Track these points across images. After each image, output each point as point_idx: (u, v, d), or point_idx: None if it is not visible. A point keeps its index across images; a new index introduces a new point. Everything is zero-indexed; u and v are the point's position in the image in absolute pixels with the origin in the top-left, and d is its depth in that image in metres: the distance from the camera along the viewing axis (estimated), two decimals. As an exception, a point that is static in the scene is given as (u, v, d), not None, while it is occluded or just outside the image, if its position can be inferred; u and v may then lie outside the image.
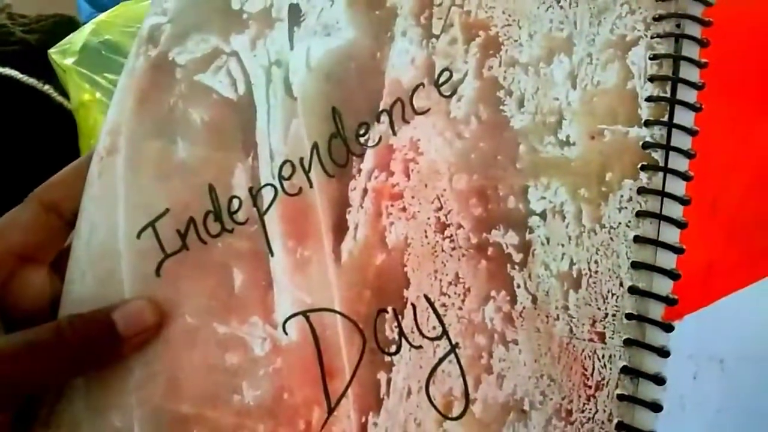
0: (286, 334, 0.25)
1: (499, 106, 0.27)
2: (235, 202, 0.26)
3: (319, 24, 0.28)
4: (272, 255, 0.26)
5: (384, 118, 0.27)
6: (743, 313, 0.25)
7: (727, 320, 0.25)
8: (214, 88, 0.28)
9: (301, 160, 0.27)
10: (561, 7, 0.28)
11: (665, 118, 0.27)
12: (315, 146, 0.27)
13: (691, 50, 0.27)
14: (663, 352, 0.25)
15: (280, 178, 0.26)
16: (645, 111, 0.27)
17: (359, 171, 0.26)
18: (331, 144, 0.27)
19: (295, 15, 0.29)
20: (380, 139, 0.27)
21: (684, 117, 0.27)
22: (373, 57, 0.28)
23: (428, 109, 0.27)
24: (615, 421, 0.24)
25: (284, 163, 0.27)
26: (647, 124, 0.27)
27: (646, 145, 0.26)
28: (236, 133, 0.27)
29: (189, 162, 0.27)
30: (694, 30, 0.28)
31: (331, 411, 0.24)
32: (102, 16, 0.42)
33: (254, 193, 0.26)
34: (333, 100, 0.27)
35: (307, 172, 0.26)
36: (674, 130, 0.27)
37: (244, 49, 0.28)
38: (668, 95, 0.27)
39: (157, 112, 0.28)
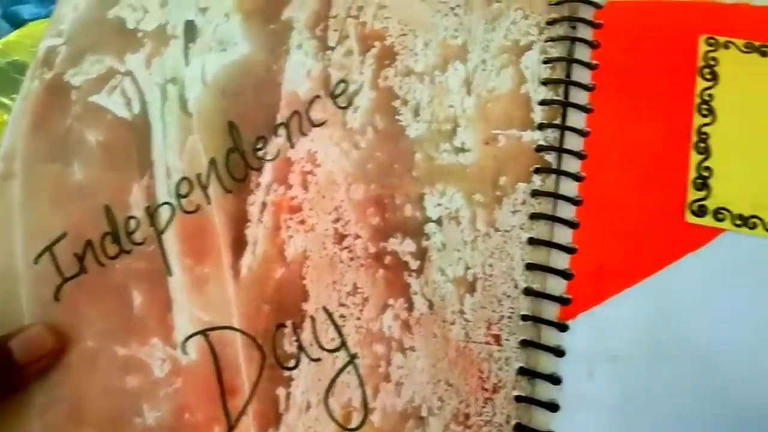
0: (186, 354, 0.25)
1: (395, 116, 0.27)
2: (132, 223, 0.26)
3: (214, 40, 0.28)
4: (171, 274, 0.25)
5: (281, 131, 0.27)
6: (633, 311, 0.25)
7: (619, 318, 0.25)
8: (109, 108, 0.28)
9: (199, 176, 0.27)
10: (456, 15, 0.28)
11: (558, 121, 0.27)
12: (212, 162, 0.27)
13: (582, 53, 0.28)
14: (558, 352, 0.25)
15: (178, 195, 0.26)
16: (538, 114, 0.27)
17: (257, 185, 0.26)
18: (228, 159, 0.27)
19: (191, 32, 0.29)
20: (278, 152, 0.27)
21: (576, 119, 0.27)
22: (269, 70, 0.28)
23: (325, 121, 0.27)
24: (513, 422, 0.25)
25: (181, 180, 0.26)
26: (541, 127, 0.27)
27: (539, 148, 0.27)
28: (131, 152, 0.27)
29: (85, 184, 0.27)
30: (586, 33, 0.28)
31: (231, 429, 0.24)
32: (10, 36, 0.41)
33: (151, 212, 0.26)
34: (229, 115, 0.27)
35: (204, 189, 0.26)
36: (567, 132, 0.27)
37: (138, 68, 0.28)
38: (561, 98, 0.27)
39: (53, 135, 0.28)
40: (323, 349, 0.25)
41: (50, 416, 0.25)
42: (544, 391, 0.25)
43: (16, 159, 0.27)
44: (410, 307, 0.25)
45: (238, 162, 0.27)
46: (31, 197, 0.27)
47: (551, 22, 0.28)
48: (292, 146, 0.27)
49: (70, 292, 0.26)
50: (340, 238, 0.26)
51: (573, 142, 0.27)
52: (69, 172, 0.27)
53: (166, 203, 0.26)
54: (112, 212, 0.26)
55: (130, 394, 0.25)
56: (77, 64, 0.29)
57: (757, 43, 0.28)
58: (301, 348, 0.25)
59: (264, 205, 0.26)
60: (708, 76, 0.28)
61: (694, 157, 0.27)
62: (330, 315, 0.25)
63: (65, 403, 0.25)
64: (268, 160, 0.27)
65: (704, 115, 0.27)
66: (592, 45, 0.28)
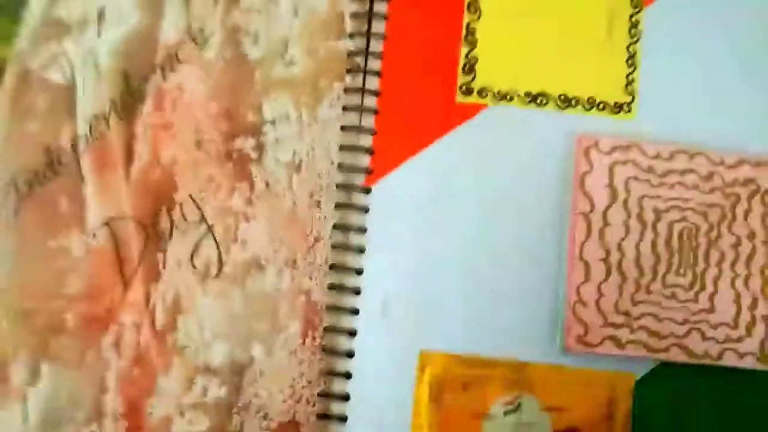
0: (95, 238, 0.34)
1: (239, 46, 0.35)
2: (61, 154, 0.36)
3: (115, 17, 0.37)
4: (84, 184, 0.35)
5: (158, 71, 0.36)
6: (419, 173, 0.32)
7: (408, 179, 0.32)
8: (52, 79, 0.38)
9: (104, 113, 0.36)
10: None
11: (364, 29, 0.34)
12: (112, 101, 0.36)
13: (385, -31, 0.34)
14: (364, 209, 0.32)
15: (90, 128, 0.36)
16: (350, 26, 0.34)
17: (141, 112, 0.35)
18: (123, 97, 0.36)
19: (102, 15, 0.38)
20: (156, 86, 0.35)
21: (378, 26, 0.34)
22: (151, 29, 0.36)
23: (188, 59, 0.35)
24: (330, 263, 0.32)
25: (93, 117, 0.36)
26: (351, 36, 0.34)
27: (350, 54, 0.34)
28: (63, 105, 0.37)
29: (36, 132, 0.37)
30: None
31: (126, 287, 0.33)
32: None
33: (73, 143, 0.36)
34: (124, 67, 0.36)
35: (107, 121, 0.35)
36: (371, 38, 0.34)
37: (70, 48, 0.38)
38: (366, 10, 0.34)
39: (20, 104, 0.38)
40: (188, 222, 0.33)
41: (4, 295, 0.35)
42: (354, 239, 0.32)
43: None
44: (252, 188, 0.33)
45: (128, 98, 0.35)
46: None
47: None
48: (165, 80, 0.35)
49: (24, 207, 0.36)
50: (199, 143, 0.34)
51: (375, 45, 0.33)
52: (26, 126, 0.37)
53: (83, 135, 0.36)
54: (50, 149, 0.36)
55: (59, 271, 0.34)
56: (34, 54, 0.39)
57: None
58: (173, 224, 0.33)
59: (146, 126, 0.35)
60: (477, -21, 0.33)
61: (463, 48, 0.33)
62: (193, 199, 0.33)
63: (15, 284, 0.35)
64: (149, 93, 0.35)
65: (472, 12, 0.33)
66: (391, -39, 0.34)
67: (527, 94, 0.32)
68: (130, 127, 0.35)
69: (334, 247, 0.32)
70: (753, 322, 0.31)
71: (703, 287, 0.31)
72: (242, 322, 0.32)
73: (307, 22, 0.34)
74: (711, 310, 0.31)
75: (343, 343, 0.32)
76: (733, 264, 0.31)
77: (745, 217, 0.32)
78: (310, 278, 0.32)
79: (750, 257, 0.32)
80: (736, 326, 0.31)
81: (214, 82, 0.35)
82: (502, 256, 0.31)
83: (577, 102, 0.32)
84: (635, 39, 0.32)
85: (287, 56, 0.34)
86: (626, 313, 0.31)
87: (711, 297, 0.31)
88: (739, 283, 0.31)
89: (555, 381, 0.31)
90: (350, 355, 0.32)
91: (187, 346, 0.32)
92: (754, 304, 0.31)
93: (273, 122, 0.33)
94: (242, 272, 0.32)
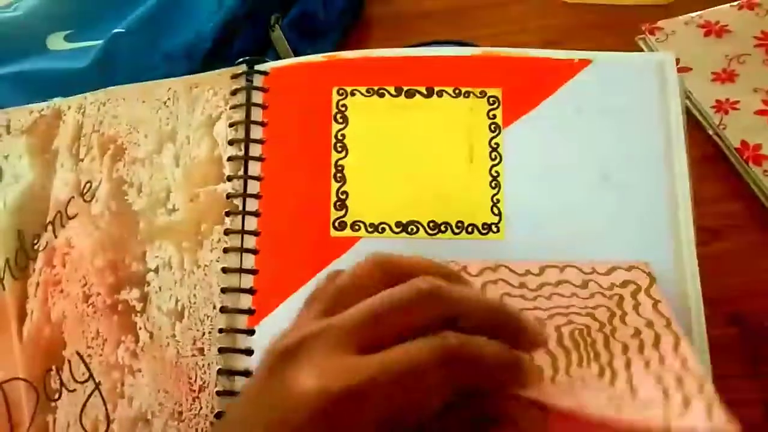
0: (-14, 402, 0.34)
1: (124, 197, 0.36)
2: (-43, 315, 0.36)
3: (12, 176, 0.38)
4: (-23, 347, 0.35)
5: (49, 228, 0.36)
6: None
7: (288, 317, 0.32)
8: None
9: (-1, 274, 0.36)
10: (167, 106, 0.37)
11: (241, 172, 0.35)
12: (6, 261, 0.36)
13: (256, 114, 0.36)
14: (249, 352, 0.32)
15: (-15, 289, 0.36)
16: (227, 169, 0.35)
17: (34, 270, 0.36)
18: (17, 256, 0.36)
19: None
20: (47, 243, 0.36)
21: (254, 168, 0.35)
22: (44, 188, 0.37)
23: (77, 214, 0.36)
24: (216, 411, 0.31)
25: (-13, 278, 0.36)
26: (229, 179, 0.35)
27: (229, 196, 0.34)
28: (-40, 267, 0.37)
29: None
30: (258, 97, 0.36)
31: (16, 453, 0.33)
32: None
33: (-32, 306, 0.36)
34: (18, 225, 0.37)
35: (2, 281, 0.36)
36: (248, 180, 0.34)
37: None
38: (242, 153, 0.35)
39: None
40: (77, 382, 0.33)
41: None
42: (240, 383, 0.32)
43: None
44: (137, 340, 0.33)
45: (23, 257, 0.36)
46: None
47: (234, 93, 0.36)
48: (56, 237, 0.36)
49: None
50: (86, 297, 0.34)
51: (253, 186, 0.34)
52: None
53: (-22, 297, 0.36)
54: (-54, 311, 0.36)
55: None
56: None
57: (376, 87, 0.34)
58: (62, 384, 0.33)
59: (38, 284, 0.35)
60: (340, 120, 0.34)
61: (334, 185, 0.33)
62: (81, 356, 0.33)
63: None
64: (41, 250, 0.36)
65: (339, 151, 0.34)
66: (262, 107, 0.35)
67: (398, 224, 0.33)
68: (23, 286, 0.36)
69: (219, 394, 0.32)
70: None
71: (614, 375, 0.29)
72: (131, 482, 0.32)
73: (188, 168, 0.35)
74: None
75: (233, 494, 0.31)
76: (640, 349, 0.29)
77: (636, 310, 0.31)
78: (197, 430, 0.32)
79: (656, 341, 0.29)
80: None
81: (100, 235, 0.35)
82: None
83: (447, 227, 0.32)
84: (497, 161, 0.33)
85: (169, 204, 0.35)
86: None
87: (629, 381, 0.29)
88: (653, 364, 0.29)
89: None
90: (245, 503, 0.31)
91: None
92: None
93: (156, 270, 0.34)
94: (129, 429, 0.32)
